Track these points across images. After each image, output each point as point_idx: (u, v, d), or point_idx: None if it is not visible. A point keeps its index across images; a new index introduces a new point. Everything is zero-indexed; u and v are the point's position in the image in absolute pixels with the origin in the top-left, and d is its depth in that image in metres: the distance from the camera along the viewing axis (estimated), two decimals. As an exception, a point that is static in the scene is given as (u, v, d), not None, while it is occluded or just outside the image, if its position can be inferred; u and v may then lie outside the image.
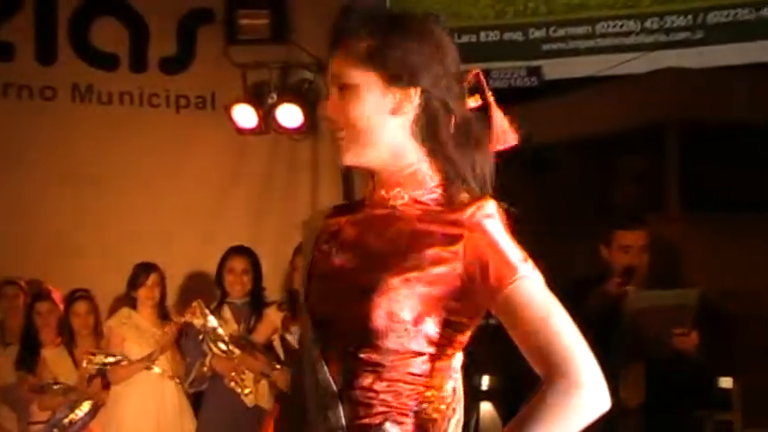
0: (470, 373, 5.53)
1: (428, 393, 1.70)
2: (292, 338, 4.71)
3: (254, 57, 5.86)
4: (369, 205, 1.79)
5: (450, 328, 1.70)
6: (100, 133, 5.90)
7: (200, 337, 4.85)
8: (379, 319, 1.66)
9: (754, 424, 4.62)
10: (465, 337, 1.74)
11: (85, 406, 4.89)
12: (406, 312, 1.66)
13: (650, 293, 3.95)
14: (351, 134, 1.74)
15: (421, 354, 1.69)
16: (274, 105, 5.73)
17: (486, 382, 5.59)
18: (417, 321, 1.67)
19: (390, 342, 1.67)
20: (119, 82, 5.97)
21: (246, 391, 4.83)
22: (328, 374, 1.71)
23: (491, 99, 1.74)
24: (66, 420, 4.84)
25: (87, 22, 5.92)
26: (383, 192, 1.76)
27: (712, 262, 4.73)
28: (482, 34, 8.32)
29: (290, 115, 5.75)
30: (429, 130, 1.73)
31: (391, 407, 1.68)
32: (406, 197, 1.74)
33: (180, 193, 5.92)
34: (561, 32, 8.14)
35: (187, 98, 6.04)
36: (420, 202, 1.74)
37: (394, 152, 1.75)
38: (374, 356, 1.68)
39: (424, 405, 1.70)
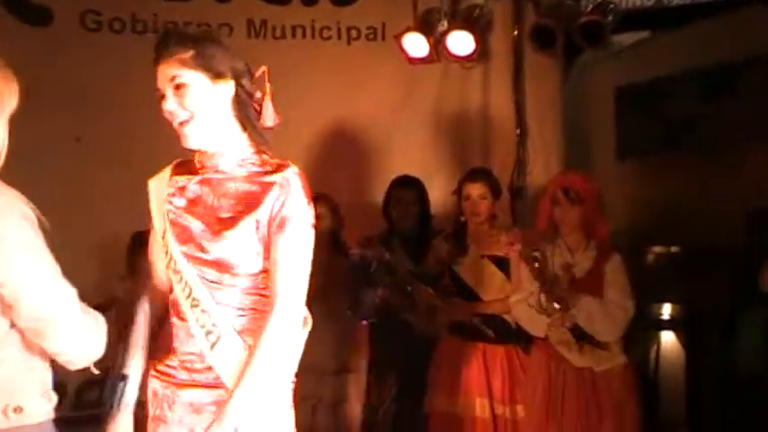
0: (650, 302, 5.39)
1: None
2: (459, 269, 4.69)
3: (425, -16, 5.79)
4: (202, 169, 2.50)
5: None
6: (274, 68, 5.96)
7: (372, 267, 4.89)
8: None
9: None
10: None
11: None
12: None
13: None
14: (190, 121, 2.40)
15: None
16: (445, 33, 5.65)
17: (667, 310, 5.42)
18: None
19: None
20: (291, 16, 6.01)
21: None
22: None
23: (268, 90, 2.52)
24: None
25: (260, -43, 5.98)
26: (213, 159, 2.47)
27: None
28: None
29: (460, 42, 5.65)
30: (242, 112, 2.46)
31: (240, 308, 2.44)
32: (234, 162, 2.46)
33: (352, 126, 5.96)
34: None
35: (358, 29, 6.03)
36: (242, 165, 2.47)
37: (223, 129, 2.45)
38: None
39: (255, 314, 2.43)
